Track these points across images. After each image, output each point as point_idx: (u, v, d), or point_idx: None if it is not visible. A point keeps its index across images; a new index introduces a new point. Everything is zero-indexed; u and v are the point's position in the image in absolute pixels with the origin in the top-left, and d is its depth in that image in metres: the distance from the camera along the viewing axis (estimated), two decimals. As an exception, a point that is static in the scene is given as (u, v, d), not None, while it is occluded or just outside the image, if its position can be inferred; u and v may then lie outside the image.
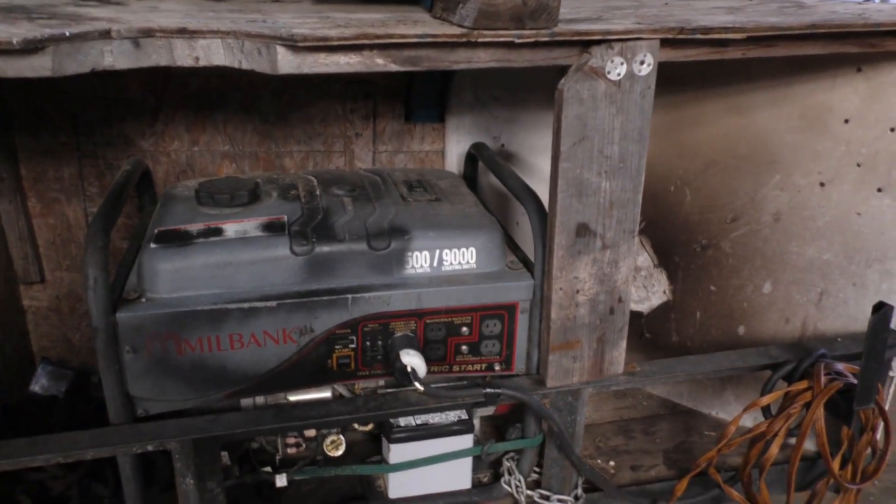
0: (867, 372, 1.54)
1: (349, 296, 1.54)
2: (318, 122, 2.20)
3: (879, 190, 1.82)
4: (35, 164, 2.06)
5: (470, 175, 2.21)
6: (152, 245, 1.53)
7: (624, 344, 1.66)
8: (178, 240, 1.55)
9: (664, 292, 2.30)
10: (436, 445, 1.72)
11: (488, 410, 1.86)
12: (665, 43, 1.40)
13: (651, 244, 2.29)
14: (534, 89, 2.27)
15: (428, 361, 1.60)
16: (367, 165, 2.26)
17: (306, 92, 2.14)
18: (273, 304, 1.50)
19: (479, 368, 1.69)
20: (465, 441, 1.75)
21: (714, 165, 2.09)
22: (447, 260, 1.63)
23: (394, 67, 1.33)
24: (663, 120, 2.16)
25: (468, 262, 1.64)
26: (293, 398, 1.66)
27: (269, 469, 1.68)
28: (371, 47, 1.30)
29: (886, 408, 2.01)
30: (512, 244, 1.83)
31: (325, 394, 1.67)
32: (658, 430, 2.22)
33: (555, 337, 1.59)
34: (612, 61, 1.37)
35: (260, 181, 1.82)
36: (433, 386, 1.59)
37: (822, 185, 1.91)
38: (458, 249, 1.63)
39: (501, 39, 1.32)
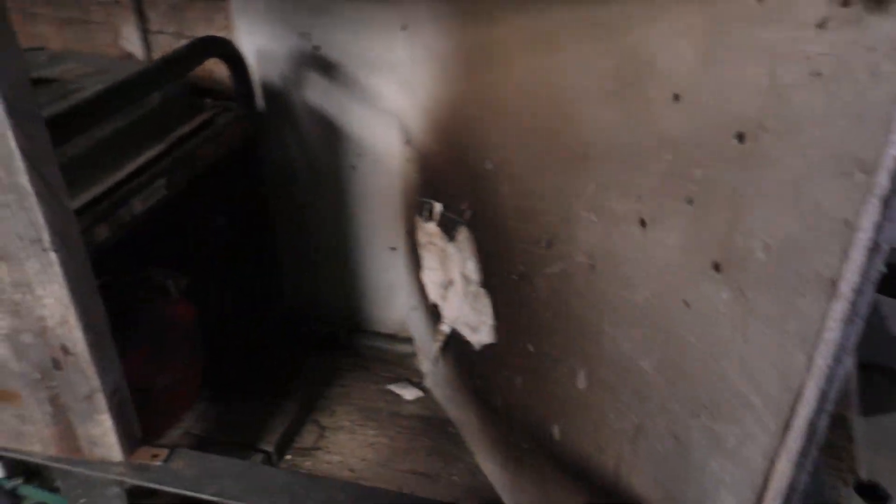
0: None
1: None
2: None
3: (716, 267, 0.79)
4: None
5: (243, 93, 1.52)
6: None
7: (107, 420, 0.97)
8: None
9: (491, 327, 1.42)
10: None
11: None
12: None
13: (476, 247, 1.39)
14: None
15: None
16: (138, 49, 1.66)
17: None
18: None
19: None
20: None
21: (525, 141, 1.13)
22: None
23: None
24: (475, 43, 1.22)
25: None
26: None
27: None
28: None
29: None
30: None
31: None
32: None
33: (-26, 379, 0.97)
34: None
35: None
36: None
37: (642, 223, 0.91)
38: None
39: None
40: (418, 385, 1.80)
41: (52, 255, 0.83)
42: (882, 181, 0.59)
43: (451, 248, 1.49)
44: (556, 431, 1.26)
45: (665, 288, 0.89)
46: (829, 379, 0.72)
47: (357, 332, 1.90)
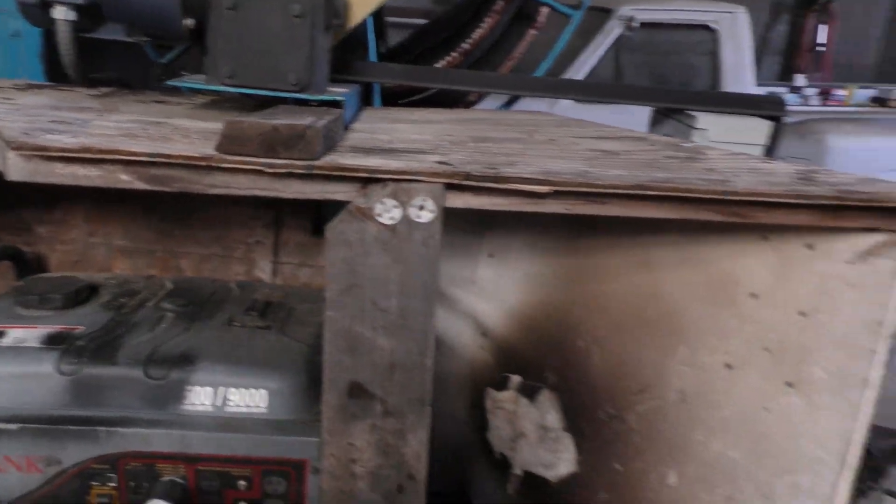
0: None
1: (102, 428, 1.38)
2: (218, 226, 2.10)
3: (789, 385, 1.47)
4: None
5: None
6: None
7: (424, 532, 1.39)
8: (-44, 339, 1.46)
9: (572, 461, 1.97)
10: None
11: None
12: (454, 188, 1.19)
13: (560, 403, 1.98)
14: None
15: (202, 514, 1.41)
16: (267, 276, 2.13)
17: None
18: (14, 427, 1.36)
19: (262, 532, 1.46)
20: None
21: (622, 327, 1.79)
22: (233, 400, 1.44)
23: (140, 185, 1.20)
24: (572, 265, 1.90)
25: (257, 406, 1.44)
26: (56, 531, 1.49)
27: None
28: (112, 161, 1.18)
29: None
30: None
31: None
32: None
33: (329, 512, 1.35)
34: (382, 203, 1.18)
35: (105, 283, 1.73)
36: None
37: (728, 367, 1.58)
38: (248, 390, 1.44)
39: (249, 167, 1.17)
40: (479, 529, 2.24)
41: (426, 407, 1.30)
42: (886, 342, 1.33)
43: (527, 407, 2.05)
44: (646, 525, 1.81)
45: (749, 403, 1.56)
46: (868, 429, 1.40)
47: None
